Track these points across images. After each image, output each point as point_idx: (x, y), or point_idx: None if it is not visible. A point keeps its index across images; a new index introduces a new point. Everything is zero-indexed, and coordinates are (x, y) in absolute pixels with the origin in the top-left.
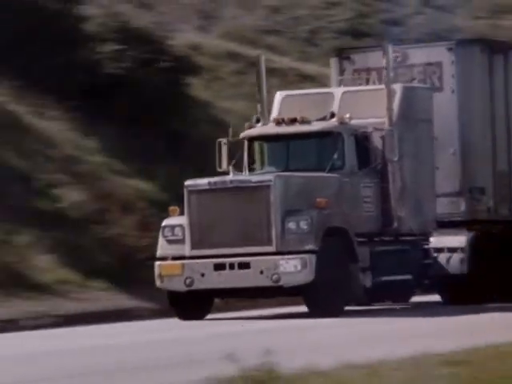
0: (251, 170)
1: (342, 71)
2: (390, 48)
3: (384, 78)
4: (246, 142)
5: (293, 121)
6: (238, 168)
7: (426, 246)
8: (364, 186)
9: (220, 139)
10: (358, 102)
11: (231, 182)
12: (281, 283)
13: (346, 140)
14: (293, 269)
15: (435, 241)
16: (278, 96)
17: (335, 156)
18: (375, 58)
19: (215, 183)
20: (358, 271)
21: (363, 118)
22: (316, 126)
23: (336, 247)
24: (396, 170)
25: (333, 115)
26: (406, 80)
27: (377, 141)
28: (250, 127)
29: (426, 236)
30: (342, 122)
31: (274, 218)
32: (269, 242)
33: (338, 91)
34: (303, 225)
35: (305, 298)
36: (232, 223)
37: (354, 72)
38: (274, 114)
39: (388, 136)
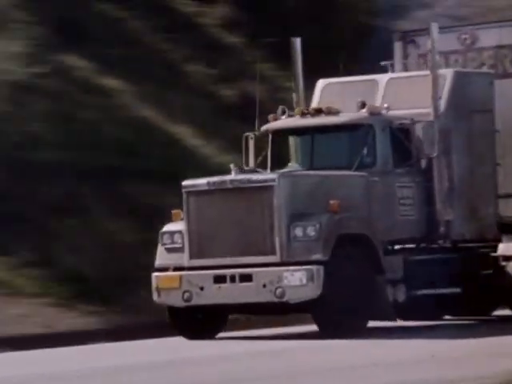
0: (285, 167)
1: (405, 56)
2: (435, 27)
3: (429, 62)
4: (270, 136)
5: (318, 111)
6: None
7: (492, 254)
8: (401, 186)
9: (247, 133)
10: (405, 90)
11: (231, 182)
12: (285, 298)
13: (378, 133)
14: (298, 282)
15: (503, 248)
16: (320, 84)
17: (364, 152)
18: (442, 42)
19: (214, 183)
20: (384, 284)
21: (410, 108)
22: (343, 118)
23: (352, 257)
24: (443, 167)
25: (363, 105)
26: (475, 66)
27: (420, 134)
28: (275, 119)
29: (484, 242)
30: (373, 113)
31: (277, 223)
32: (272, 251)
33: (382, 78)
34: (310, 231)
35: (313, 316)
36: (233, 229)
37: (419, 57)
38: (314, 103)
39: (427, 128)
